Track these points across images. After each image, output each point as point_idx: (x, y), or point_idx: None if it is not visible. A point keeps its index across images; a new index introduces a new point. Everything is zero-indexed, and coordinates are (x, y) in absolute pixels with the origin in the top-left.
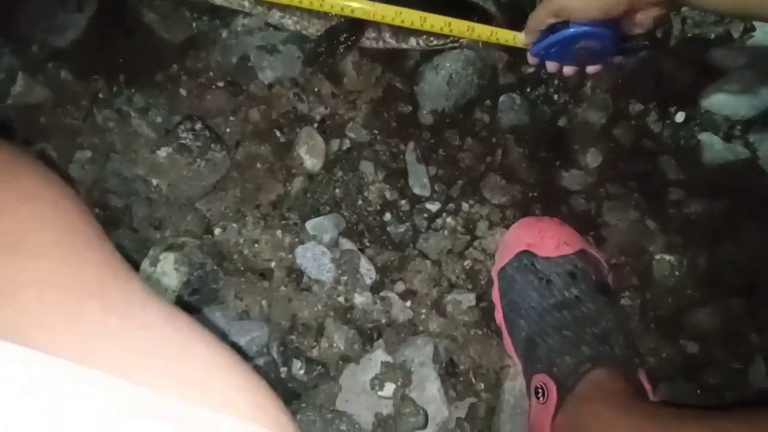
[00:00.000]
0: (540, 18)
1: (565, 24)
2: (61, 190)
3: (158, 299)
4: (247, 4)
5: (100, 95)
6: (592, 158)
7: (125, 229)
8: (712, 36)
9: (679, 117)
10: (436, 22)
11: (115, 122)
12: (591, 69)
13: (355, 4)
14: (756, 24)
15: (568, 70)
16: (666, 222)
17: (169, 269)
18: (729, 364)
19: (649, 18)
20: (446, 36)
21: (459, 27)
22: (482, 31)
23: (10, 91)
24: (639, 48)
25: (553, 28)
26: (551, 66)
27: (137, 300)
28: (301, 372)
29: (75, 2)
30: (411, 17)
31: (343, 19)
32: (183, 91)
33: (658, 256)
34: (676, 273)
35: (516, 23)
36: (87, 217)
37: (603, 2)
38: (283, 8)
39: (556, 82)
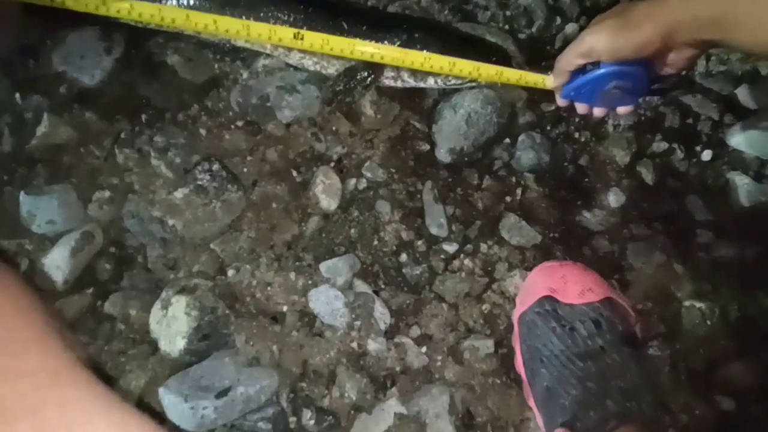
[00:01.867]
0: (569, 59)
1: (596, 64)
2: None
3: (110, 405)
4: (269, 45)
5: (123, 135)
6: (615, 198)
7: (139, 270)
8: (739, 73)
9: (706, 156)
10: (464, 66)
11: (135, 162)
12: (622, 110)
13: (385, 53)
14: None
15: (598, 111)
16: (694, 266)
17: (180, 313)
18: None
19: (682, 58)
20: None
21: (487, 71)
22: (510, 75)
23: (35, 131)
24: (671, 89)
25: (583, 69)
26: (581, 108)
27: (78, 413)
28: (311, 422)
29: (104, 44)
30: (440, 63)
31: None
32: (203, 131)
33: (687, 303)
34: (708, 322)
35: (535, 62)
36: (30, 314)
37: (634, 42)
38: (304, 49)
39: (577, 120)
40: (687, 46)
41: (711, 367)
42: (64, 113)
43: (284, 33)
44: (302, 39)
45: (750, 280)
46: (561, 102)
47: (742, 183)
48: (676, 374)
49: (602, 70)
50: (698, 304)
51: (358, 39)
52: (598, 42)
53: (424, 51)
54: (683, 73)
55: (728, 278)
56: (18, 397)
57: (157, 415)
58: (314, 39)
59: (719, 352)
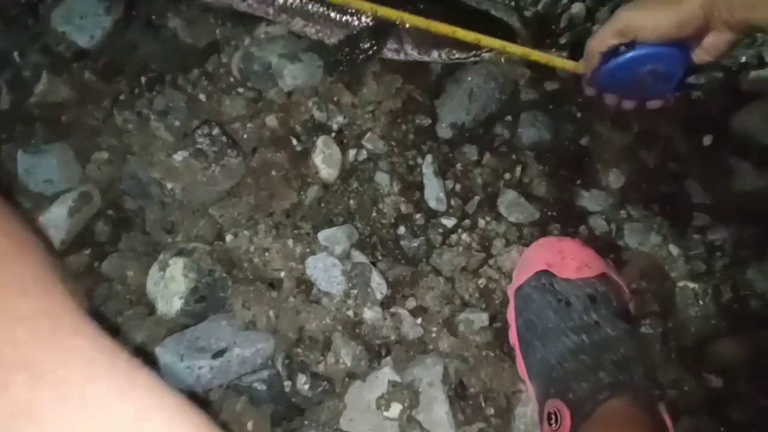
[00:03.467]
0: (603, 38)
1: (630, 46)
2: None
3: (116, 359)
4: (271, 11)
5: (122, 97)
6: (615, 178)
7: (137, 232)
8: (743, 59)
9: (707, 140)
10: (493, 42)
11: (134, 124)
12: (652, 104)
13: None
14: None
15: (627, 104)
16: (689, 248)
17: (177, 275)
18: (755, 400)
19: (720, 42)
20: (469, 49)
21: (515, 50)
22: (540, 57)
23: (34, 89)
24: (699, 85)
25: (615, 52)
26: (610, 99)
27: (80, 366)
28: (306, 387)
29: (104, 5)
30: (466, 36)
31: (364, 28)
32: (203, 96)
33: (681, 283)
34: (700, 301)
35: (540, 39)
36: (30, 252)
37: (675, 18)
38: (307, 17)
39: (579, 99)
40: (728, 28)
41: (701, 345)
42: (63, 73)
43: None
44: None
45: (743, 261)
46: (589, 91)
47: (742, 168)
48: (667, 351)
49: (638, 51)
50: (692, 285)
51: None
52: (636, 17)
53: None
54: (721, 61)
55: (722, 260)
56: (13, 344)
57: None
58: None
59: (710, 330)
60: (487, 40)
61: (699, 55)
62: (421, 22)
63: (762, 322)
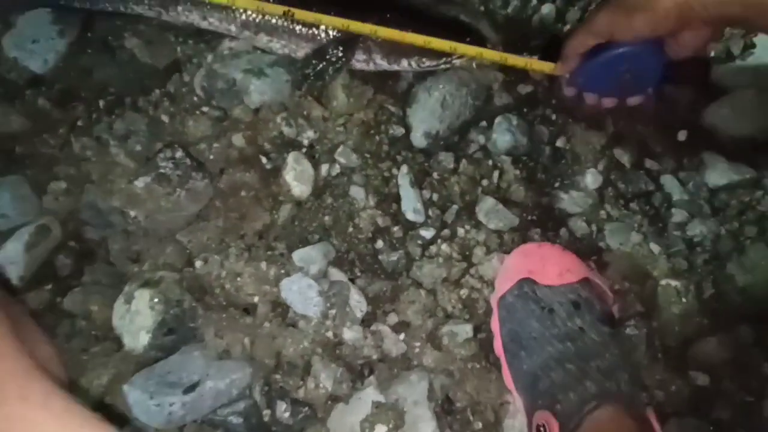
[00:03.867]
0: (580, 39)
1: (606, 46)
2: None
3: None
4: (233, 28)
5: (79, 123)
6: (592, 179)
7: (101, 263)
8: (712, 53)
9: (681, 135)
10: (467, 50)
11: (93, 151)
12: (632, 101)
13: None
14: (756, 40)
15: (607, 102)
16: (670, 245)
17: (143, 308)
18: (741, 397)
19: (697, 38)
20: (439, 57)
21: (491, 56)
22: (516, 62)
23: None
24: (684, 78)
25: (593, 52)
26: (590, 98)
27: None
28: (286, 414)
29: (57, 28)
30: (441, 45)
31: (331, 40)
32: (165, 117)
33: (663, 282)
34: (683, 299)
35: (511, 45)
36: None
37: (650, 17)
38: (271, 31)
39: (553, 101)
40: (703, 24)
41: (686, 343)
42: (16, 101)
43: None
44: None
45: (723, 257)
46: (568, 92)
47: (716, 162)
48: (652, 352)
49: (614, 51)
50: (674, 283)
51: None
52: (612, 18)
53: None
54: (698, 56)
55: (702, 256)
56: None
57: (120, 415)
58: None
59: (694, 328)
60: (463, 48)
61: (676, 52)
62: (395, 35)
63: (744, 316)
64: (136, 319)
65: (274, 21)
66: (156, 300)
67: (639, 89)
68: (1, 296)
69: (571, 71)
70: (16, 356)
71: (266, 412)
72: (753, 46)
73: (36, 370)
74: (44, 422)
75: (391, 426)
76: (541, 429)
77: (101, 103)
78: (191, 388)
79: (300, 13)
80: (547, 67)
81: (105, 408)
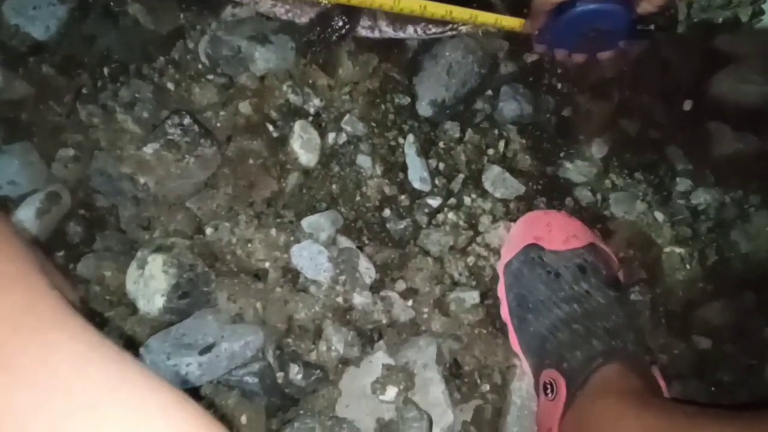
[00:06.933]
0: None
1: (572, 4)
2: None
3: (106, 354)
4: None
5: (84, 90)
6: (598, 149)
7: (112, 231)
8: (720, 20)
9: (687, 105)
10: (436, 9)
11: (99, 118)
12: (602, 56)
13: None
14: (765, 6)
15: (578, 58)
16: (674, 213)
17: (157, 272)
18: (742, 360)
19: None
20: (445, 24)
21: (461, 14)
22: (486, 19)
23: None
24: (650, 31)
25: (559, 10)
26: (560, 54)
27: (66, 363)
28: (299, 377)
29: None
30: (410, 5)
31: (336, 6)
32: (170, 85)
33: (667, 249)
34: (687, 266)
35: (517, 9)
36: (8, 244)
37: None
38: None
39: (559, 71)
40: None
41: (689, 308)
42: (20, 68)
43: None
44: None
45: (727, 225)
46: (538, 48)
47: (721, 132)
48: (656, 316)
49: (579, 8)
50: (678, 250)
51: None
52: None
53: None
54: (663, 12)
55: (706, 224)
56: None
57: None
58: None
59: (697, 294)
60: (432, 7)
61: (643, 7)
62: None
63: (746, 282)
64: (151, 283)
65: None
66: (169, 264)
67: (609, 44)
68: (27, 241)
69: (540, 28)
70: (50, 294)
71: (280, 374)
72: (762, 12)
73: (68, 306)
74: (85, 351)
75: (401, 387)
76: (548, 386)
77: (105, 70)
78: (207, 349)
79: None
80: (516, 23)
81: None
